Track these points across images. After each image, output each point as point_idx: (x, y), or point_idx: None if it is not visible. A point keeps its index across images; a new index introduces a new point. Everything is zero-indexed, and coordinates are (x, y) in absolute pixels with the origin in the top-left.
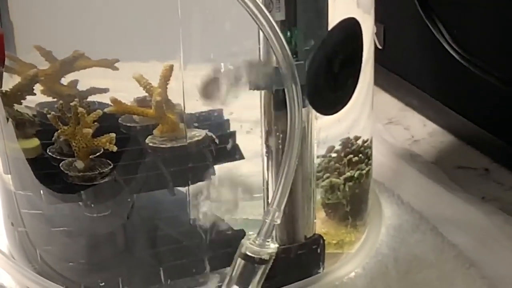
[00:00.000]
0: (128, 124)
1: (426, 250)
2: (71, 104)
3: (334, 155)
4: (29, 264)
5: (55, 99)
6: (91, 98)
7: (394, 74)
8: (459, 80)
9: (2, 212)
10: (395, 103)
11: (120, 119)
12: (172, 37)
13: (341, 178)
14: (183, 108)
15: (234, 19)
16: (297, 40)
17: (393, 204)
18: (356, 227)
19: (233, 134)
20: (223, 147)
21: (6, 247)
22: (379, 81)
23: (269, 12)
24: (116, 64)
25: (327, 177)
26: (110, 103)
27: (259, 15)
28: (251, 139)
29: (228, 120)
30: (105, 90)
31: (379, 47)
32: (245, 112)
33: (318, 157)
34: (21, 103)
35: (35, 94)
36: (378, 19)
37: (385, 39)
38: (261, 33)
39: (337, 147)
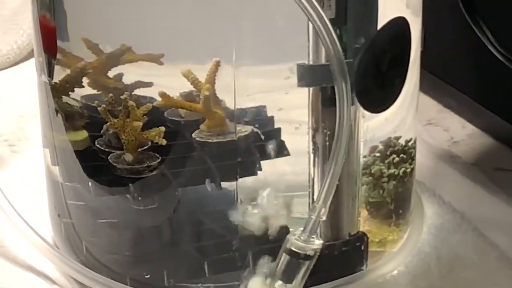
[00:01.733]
0: (174, 119)
1: (468, 249)
2: (121, 97)
3: (379, 154)
4: (74, 255)
5: (99, 92)
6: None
7: (434, 75)
8: (500, 82)
9: (48, 203)
10: (434, 104)
11: (165, 113)
12: (224, 34)
13: (385, 175)
14: (234, 103)
15: (285, 15)
16: (346, 38)
17: (434, 203)
18: (398, 226)
19: (278, 131)
20: (269, 143)
21: (50, 237)
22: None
23: None
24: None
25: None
26: (154, 97)
27: (311, 12)
28: (297, 135)
29: (272, 117)
30: (149, 84)
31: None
32: (294, 109)
33: (364, 156)
34: (69, 95)
35: (83, 87)
36: None
37: (425, 41)
38: (310, 30)
39: (383, 146)
